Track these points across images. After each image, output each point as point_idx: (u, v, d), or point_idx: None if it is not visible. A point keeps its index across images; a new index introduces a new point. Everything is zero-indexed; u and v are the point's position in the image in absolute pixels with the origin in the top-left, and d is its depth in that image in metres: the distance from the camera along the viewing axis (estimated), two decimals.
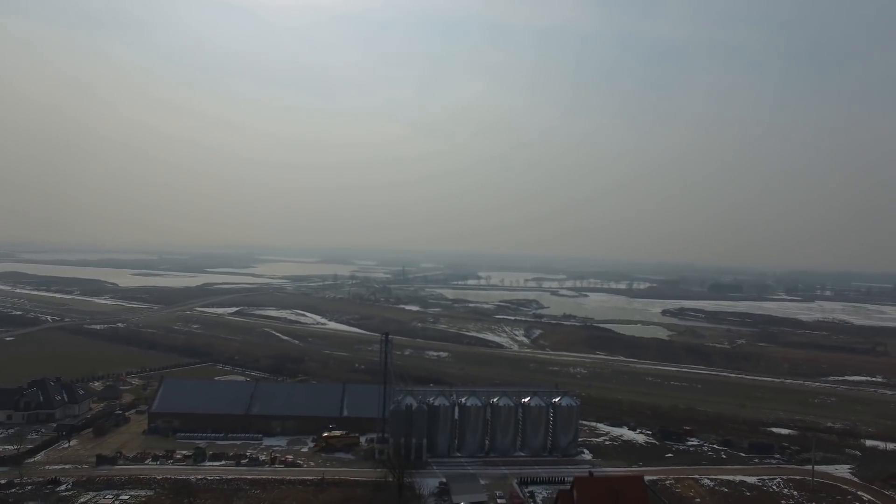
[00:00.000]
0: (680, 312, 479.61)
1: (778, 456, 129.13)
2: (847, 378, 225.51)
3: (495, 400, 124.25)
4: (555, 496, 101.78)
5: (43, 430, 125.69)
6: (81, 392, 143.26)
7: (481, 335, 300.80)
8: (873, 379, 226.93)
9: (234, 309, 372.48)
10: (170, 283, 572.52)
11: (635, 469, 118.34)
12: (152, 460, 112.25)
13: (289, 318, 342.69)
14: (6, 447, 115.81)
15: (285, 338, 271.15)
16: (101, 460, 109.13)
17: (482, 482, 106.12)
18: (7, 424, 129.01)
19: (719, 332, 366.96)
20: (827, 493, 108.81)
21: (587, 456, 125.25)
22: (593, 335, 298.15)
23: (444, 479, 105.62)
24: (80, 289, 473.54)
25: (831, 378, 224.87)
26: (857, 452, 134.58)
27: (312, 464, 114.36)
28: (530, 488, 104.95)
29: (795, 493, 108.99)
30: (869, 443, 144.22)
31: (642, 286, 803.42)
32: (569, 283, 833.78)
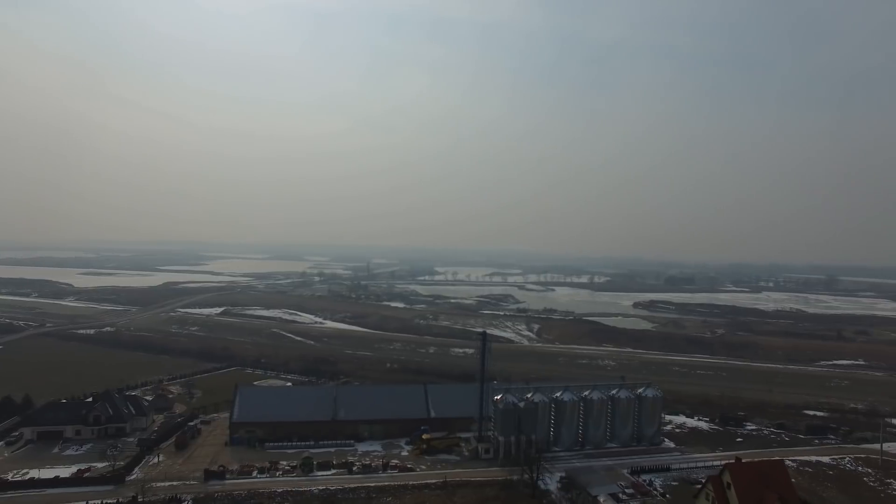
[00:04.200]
0: (651, 305, 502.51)
1: (832, 436, 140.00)
2: (837, 363, 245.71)
3: (587, 393, 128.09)
4: (675, 484, 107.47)
5: (120, 446, 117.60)
6: (146, 403, 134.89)
7: (487, 331, 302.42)
8: (857, 362, 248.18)
9: (220, 309, 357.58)
10: (129, 283, 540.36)
11: (719, 453, 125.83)
12: (259, 473, 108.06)
13: (283, 317, 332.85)
14: (94, 465, 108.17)
15: (298, 338, 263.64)
16: (209, 475, 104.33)
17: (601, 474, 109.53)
18: (76, 440, 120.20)
19: (696, 323, 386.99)
20: None
21: (670, 444, 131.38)
22: (595, 328, 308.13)
23: (563, 474, 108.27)
24: (34, 290, 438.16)
25: (823, 363, 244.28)
26: None
27: (423, 467, 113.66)
28: (644, 477, 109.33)
29: (870, 470, 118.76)
30: (894, 421, 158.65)
31: (601, 280, 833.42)
32: (530, 278, 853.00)
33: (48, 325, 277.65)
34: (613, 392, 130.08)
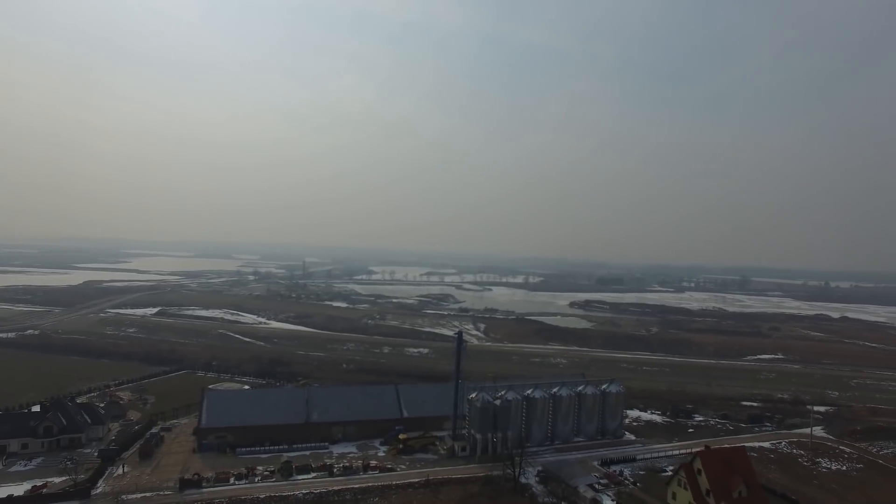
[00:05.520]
0: (586, 304, 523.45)
1: (769, 424, 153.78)
2: (761, 357, 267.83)
3: (556, 390, 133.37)
4: (642, 473, 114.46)
5: (76, 458, 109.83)
6: (102, 412, 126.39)
7: (436, 330, 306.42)
8: (777, 356, 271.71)
9: (154, 309, 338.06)
10: (45, 282, 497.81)
11: (676, 443, 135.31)
12: (236, 480, 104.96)
13: (225, 318, 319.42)
14: (50, 480, 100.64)
15: (247, 339, 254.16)
16: (185, 484, 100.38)
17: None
18: (23, 455, 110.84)
19: (630, 321, 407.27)
20: (823, 450, 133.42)
21: (631, 437, 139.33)
22: (541, 328, 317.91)
23: (540, 468, 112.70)
24: None
25: (749, 358, 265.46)
26: (819, 416, 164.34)
27: (403, 467, 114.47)
28: (614, 467, 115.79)
29: (802, 452, 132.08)
30: (816, 408, 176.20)
31: (535, 280, 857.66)
32: (466, 278, 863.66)
33: None
34: (580, 388, 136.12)
